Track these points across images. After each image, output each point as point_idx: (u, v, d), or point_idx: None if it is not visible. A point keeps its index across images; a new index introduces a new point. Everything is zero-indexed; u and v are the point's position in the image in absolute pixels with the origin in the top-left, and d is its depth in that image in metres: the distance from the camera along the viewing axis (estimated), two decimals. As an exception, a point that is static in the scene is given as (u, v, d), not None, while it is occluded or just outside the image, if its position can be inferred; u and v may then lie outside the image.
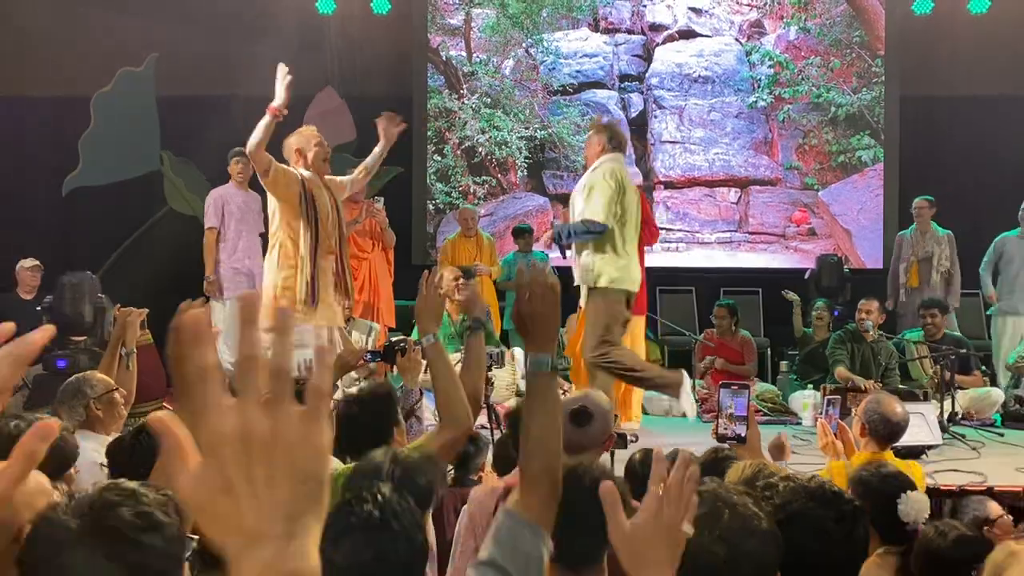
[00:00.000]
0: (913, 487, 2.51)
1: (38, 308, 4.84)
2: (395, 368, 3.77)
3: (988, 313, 7.45)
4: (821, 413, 5.71)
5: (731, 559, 1.37)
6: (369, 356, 3.73)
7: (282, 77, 4.63)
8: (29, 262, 6.91)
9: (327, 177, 4.93)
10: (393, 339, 3.80)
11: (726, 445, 2.37)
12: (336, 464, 2.55)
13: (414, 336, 5.71)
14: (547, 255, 8.09)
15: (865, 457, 3.42)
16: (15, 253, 7.08)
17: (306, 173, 4.79)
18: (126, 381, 3.54)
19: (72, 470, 2.47)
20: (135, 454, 2.25)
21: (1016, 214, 7.32)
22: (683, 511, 1.15)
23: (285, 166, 4.78)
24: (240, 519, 0.65)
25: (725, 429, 2.26)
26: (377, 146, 5.11)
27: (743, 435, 2.24)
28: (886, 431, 3.45)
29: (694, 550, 1.36)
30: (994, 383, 6.65)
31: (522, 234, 7.98)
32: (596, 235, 5.03)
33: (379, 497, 1.62)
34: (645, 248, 5.72)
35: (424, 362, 5.49)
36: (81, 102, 8.84)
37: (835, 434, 3.63)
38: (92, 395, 3.24)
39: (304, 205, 4.69)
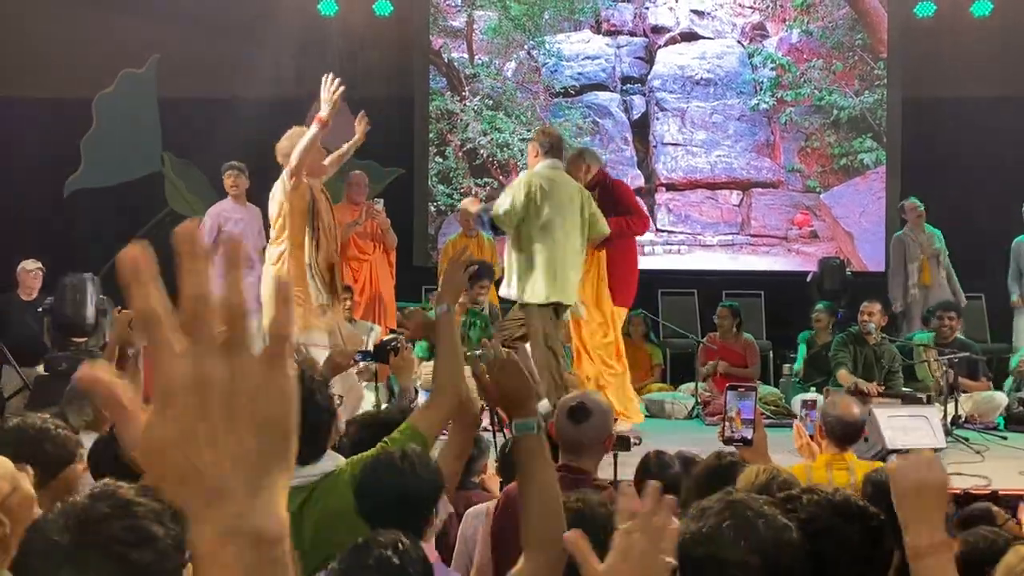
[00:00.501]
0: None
1: (39, 310, 4.83)
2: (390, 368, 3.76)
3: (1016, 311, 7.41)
4: (799, 417, 5.71)
5: (766, 570, 1.35)
6: (360, 356, 3.71)
7: (329, 88, 4.63)
8: (31, 264, 6.89)
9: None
10: (385, 339, 3.78)
11: (731, 448, 2.36)
12: (339, 460, 2.55)
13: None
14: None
15: (826, 459, 3.45)
16: (16, 254, 7.07)
17: (313, 181, 4.84)
18: (132, 380, 3.52)
19: (79, 466, 2.46)
20: (115, 451, 2.25)
21: (1020, 217, 7.32)
22: (658, 544, 1.07)
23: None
24: (199, 475, 0.59)
25: (732, 432, 2.24)
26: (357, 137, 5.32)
27: (749, 438, 2.22)
28: (842, 432, 3.48)
29: (729, 562, 1.35)
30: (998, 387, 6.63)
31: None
32: (490, 229, 5.46)
33: (400, 544, 1.66)
34: (638, 241, 5.87)
35: (417, 361, 5.51)
36: (83, 103, 8.83)
37: (812, 437, 3.66)
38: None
39: (311, 215, 4.76)
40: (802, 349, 7.10)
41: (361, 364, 4.05)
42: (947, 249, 7.46)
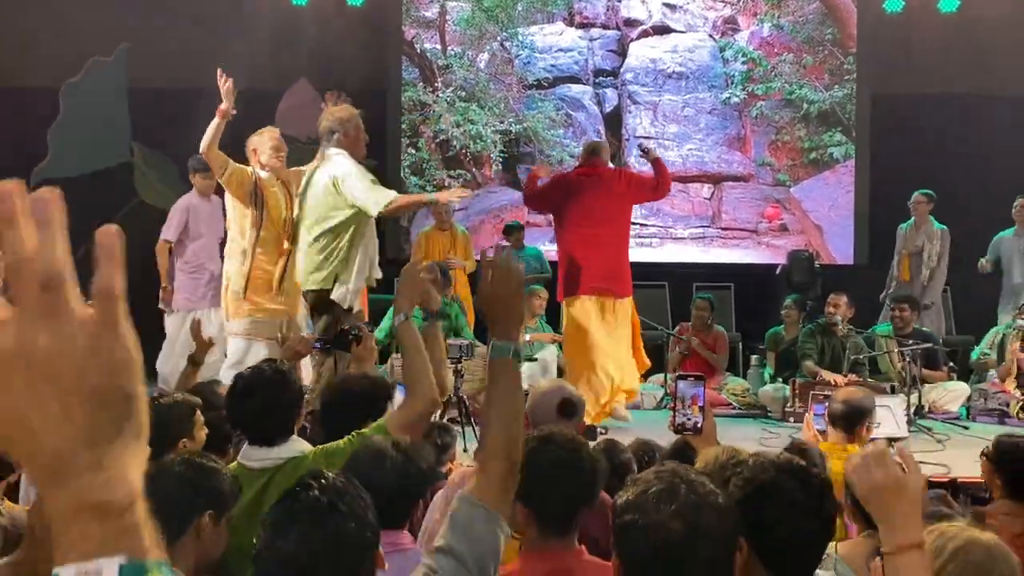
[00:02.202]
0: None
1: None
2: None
3: (1000, 310, 7.39)
4: (791, 406, 5.80)
5: (689, 534, 1.39)
6: (319, 344, 3.70)
7: (223, 83, 4.78)
8: (-6, 255, 6.80)
9: (293, 170, 4.96)
10: (345, 327, 3.77)
11: (680, 432, 2.41)
12: (304, 446, 2.56)
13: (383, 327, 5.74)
14: (540, 251, 8.09)
15: (826, 447, 3.50)
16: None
17: (262, 173, 4.86)
18: None
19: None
20: None
21: (984, 210, 7.43)
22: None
23: (242, 166, 4.89)
24: (41, 451, 0.57)
25: (684, 419, 2.28)
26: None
27: (700, 425, 2.26)
28: (844, 413, 3.57)
29: (650, 525, 1.39)
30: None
31: (512, 231, 8.01)
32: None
33: (323, 481, 1.62)
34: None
35: (376, 349, 5.52)
36: (50, 92, 8.72)
37: (822, 432, 3.74)
38: None
39: (254, 204, 4.80)
40: (766, 346, 7.18)
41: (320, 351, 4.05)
42: (944, 248, 7.41)
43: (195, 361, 3.74)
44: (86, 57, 8.81)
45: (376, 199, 4.33)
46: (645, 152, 6.12)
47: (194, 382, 3.69)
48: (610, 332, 5.59)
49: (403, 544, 2.16)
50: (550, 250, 8.23)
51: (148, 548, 0.58)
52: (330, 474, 1.67)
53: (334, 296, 4.43)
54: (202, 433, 2.84)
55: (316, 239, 4.47)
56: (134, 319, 0.60)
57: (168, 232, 6.40)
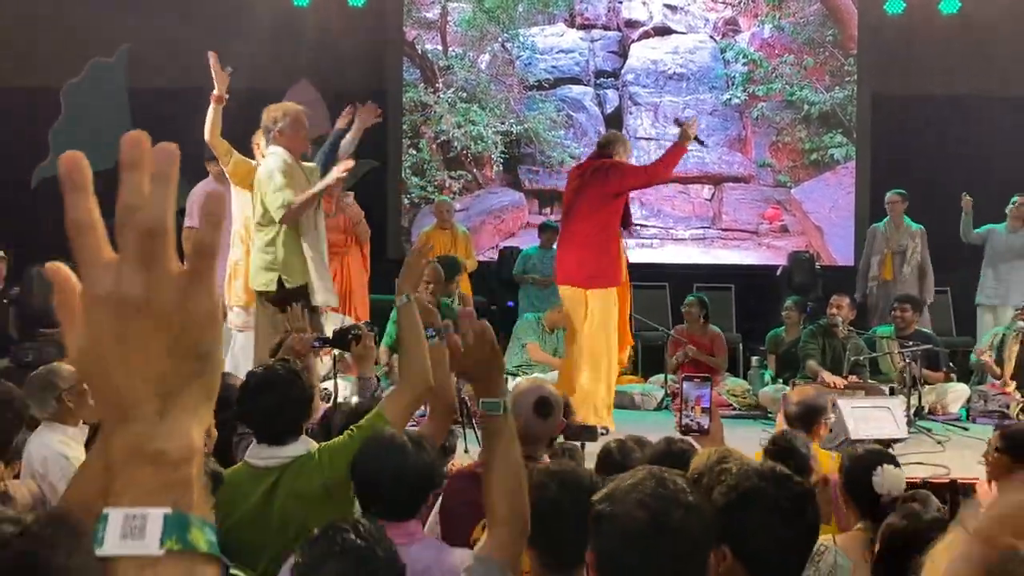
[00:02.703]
0: (891, 461, 2.62)
1: (3, 300, 4.78)
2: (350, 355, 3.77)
3: (977, 303, 7.48)
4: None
5: (652, 526, 1.42)
6: (318, 342, 3.70)
7: (215, 65, 4.79)
8: (-6, 253, 6.82)
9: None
10: (346, 326, 3.77)
11: (684, 437, 2.41)
12: (311, 444, 2.57)
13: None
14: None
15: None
16: (-17, 244, 6.99)
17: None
18: None
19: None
20: None
21: (985, 211, 7.44)
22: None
23: (245, 157, 4.88)
24: (113, 391, 0.60)
25: (689, 420, 2.28)
26: (350, 132, 5.09)
27: (706, 427, 2.27)
28: (797, 412, 3.60)
29: (617, 515, 1.43)
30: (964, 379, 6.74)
31: (546, 230, 8.03)
32: None
33: (360, 527, 1.68)
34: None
35: (388, 352, 5.50)
36: (52, 92, 8.73)
37: None
38: (63, 387, 3.21)
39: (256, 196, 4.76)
40: (767, 348, 7.17)
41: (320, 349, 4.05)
42: (925, 246, 7.49)
43: None
44: (87, 57, 8.82)
45: (276, 204, 4.30)
46: (680, 124, 5.83)
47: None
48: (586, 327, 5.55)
49: (416, 534, 2.17)
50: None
51: (195, 504, 0.60)
52: (364, 520, 1.73)
53: (316, 301, 4.41)
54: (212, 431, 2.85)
55: (260, 238, 4.47)
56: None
57: (191, 219, 6.45)
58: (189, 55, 8.35)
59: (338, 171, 4.46)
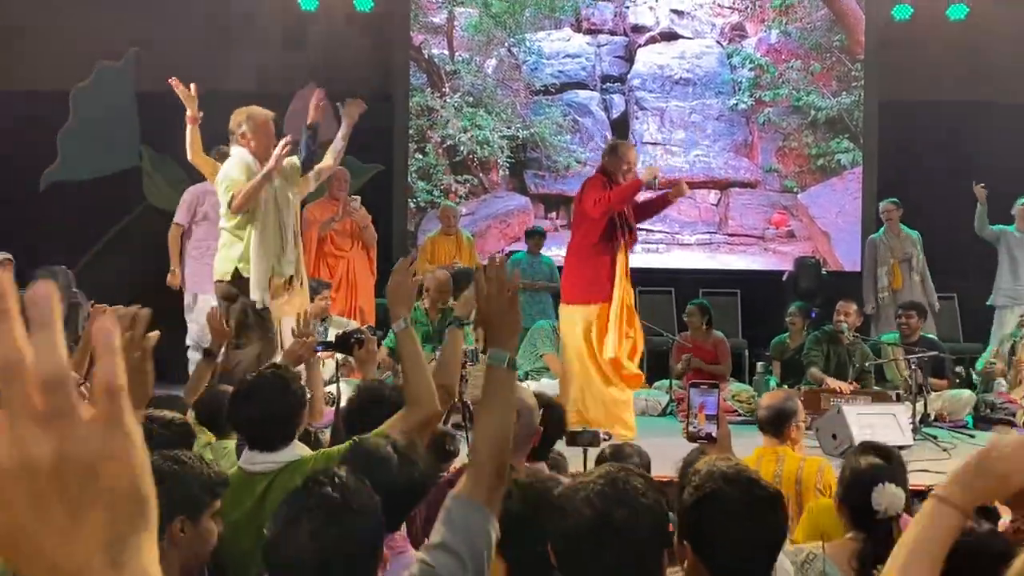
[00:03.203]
0: (891, 478, 2.58)
1: (11, 302, 4.79)
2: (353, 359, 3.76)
3: (988, 304, 7.49)
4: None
5: (598, 522, 1.47)
6: (321, 347, 3.70)
7: (180, 89, 4.96)
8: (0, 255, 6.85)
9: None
10: (348, 330, 3.77)
11: (693, 441, 2.40)
12: (304, 450, 2.57)
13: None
14: (553, 260, 8.09)
15: (759, 451, 3.55)
16: (-9, 247, 7.01)
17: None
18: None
19: None
20: None
21: (992, 217, 7.42)
22: None
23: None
24: (52, 562, 0.53)
25: (696, 428, 2.28)
26: (340, 128, 5.09)
27: (714, 434, 2.26)
28: (774, 417, 3.60)
29: (567, 510, 1.50)
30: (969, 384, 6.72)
31: (533, 235, 8.03)
32: None
33: (336, 479, 1.65)
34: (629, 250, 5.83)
35: (387, 351, 5.49)
36: (59, 96, 8.77)
37: None
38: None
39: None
40: (772, 354, 7.13)
41: (323, 354, 4.05)
42: (922, 252, 7.54)
43: (210, 352, 3.71)
44: (95, 61, 8.85)
45: (225, 197, 4.40)
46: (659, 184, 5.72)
47: (208, 378, 3.67)
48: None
49: (397, 547, 2.14)
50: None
51: None
52: (343, 472, 1.70)
53: (252, 296, 4.44)
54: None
55: (222, 233, 4.56)
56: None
57: (179, 216, 6.54)
58: (197, 58, 8.40)
59: (278, 151, 4.43)
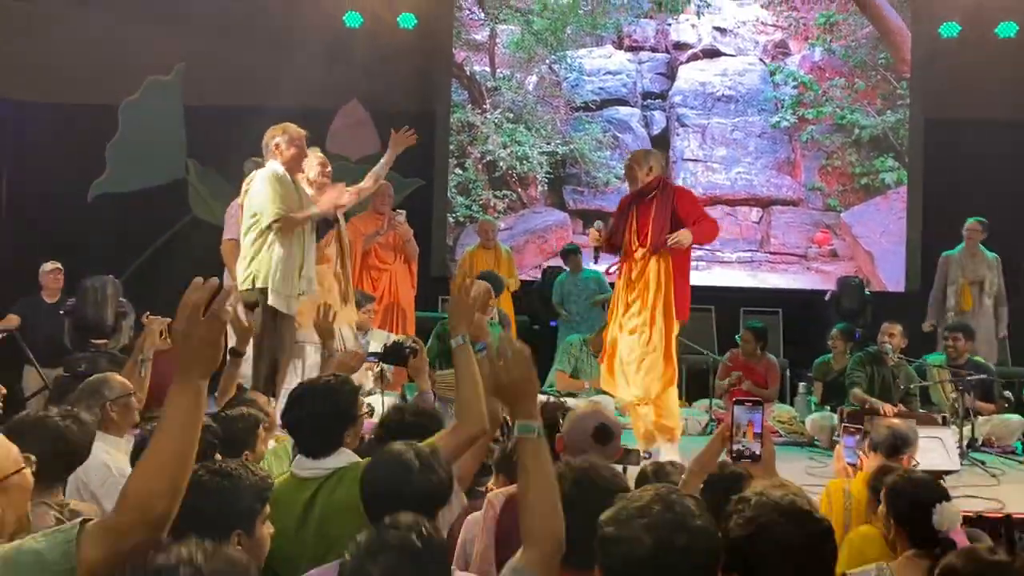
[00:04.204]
0: (947, 497, 2.57)
1: (60, 311, 4.88)
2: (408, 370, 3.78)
3: None
4: (838, 435, 5.64)
5: (658, 549, 1.44)
6: (374, 357, 3.73)
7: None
8: (50, 265, 6.98)
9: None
10: (400, 340, 3.79)
11: (737, 461, 2.36)
12: (352, 457, 2.58)
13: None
14: (600, 273, 8.06)
15: (865, 476, 3.42)
16: (41, 257, 7.16)
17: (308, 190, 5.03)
18: (138, 387, 3.59)
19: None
20: None
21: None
22: None
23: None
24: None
25: (741, 447, 2.23)
26: (385, 155, 5.42)
27: (758, 453, 2.21)
28: (890, 442, 3.49)
29: (623, 538, 1.45)
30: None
31: (570, 254, 7.98)
32: None
33: (421, 528, 1.70)
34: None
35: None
36: (109, 109, 8.96)
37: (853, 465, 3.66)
38: (109, 396, 3.27)
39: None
40: (814, 375, 7.00)
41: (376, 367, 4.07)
42: (1000, 276, 7.30)
43: (237, 352, 3.76)
44: (144, 75, 9.04)
45: (271, 212, 4.52)
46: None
47: (236, 378, 3.76)
48: None
49: None
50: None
51: None
52: (425, 520, 1.75)
53: (271, 302, 4.54)
54: (263, 447, 2.90)
55: (246, 242, 4.68)
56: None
57: (230, 231, 6.52)
58: (243, 73, 8.55)
59: (336, 200, 4.74)
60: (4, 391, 3.43)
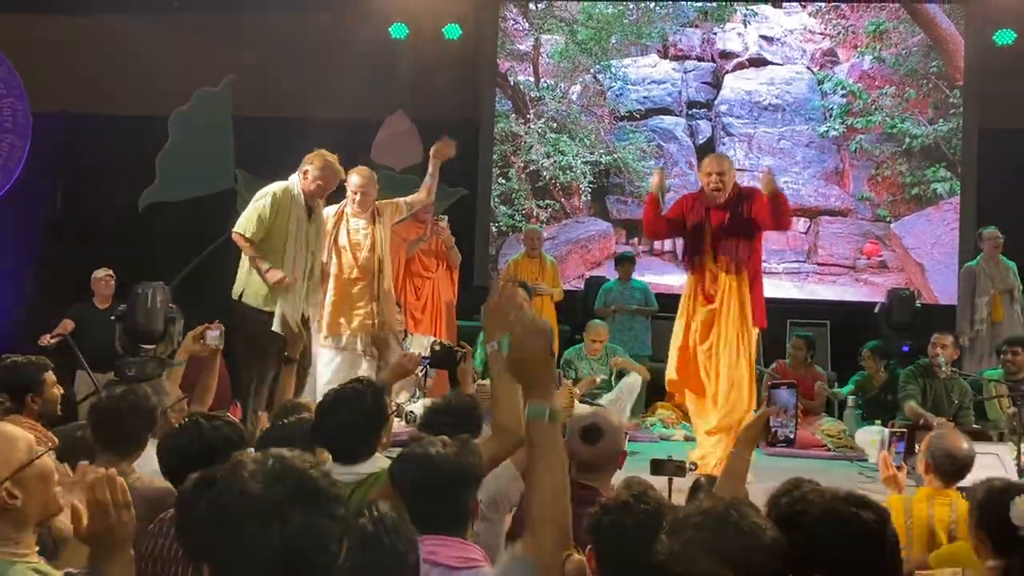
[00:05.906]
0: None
1: (112, 317, 4.97)
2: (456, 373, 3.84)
3: None
4: (884, 447, 5.49)
5: (736, 571, 1.39)
6: (427, 362, 3.79)
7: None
8: (101, 272, 7.14)
9: (386, 202, 5.48)
10: (447, 344, 3.85)
11: (773, 445, 2.35)
12: (385, 462, 2.57)
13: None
14: (647, 285, 8.03)
15: (928, 492, 3.31)
16: (93, 265, 7.32)
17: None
18: (209, 382, 3.69)
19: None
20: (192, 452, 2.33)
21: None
22: None
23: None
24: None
25: (778, 427, 2.22)
26: (430, 165, 5.61)
27: (792, 437, 2.20)
28: (951, 468, 3.32)
29: (683, 556, 1.38)
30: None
31: (623, 262, 7.98)
32: None
33: (375, 511, 1.66)
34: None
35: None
36: (159, 120, 9.15)
37: (899, 467, 3.54)
38: (168, 403, 3.32)
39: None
40: (849, 387, 6.87)
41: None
42: (1021, 282, 7.22)
43: (291, 359, 3.89)
44: (194, 87, 9.21)
45: (239, 224, 4.85)
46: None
47: (294, 383, 3.91)
48: None
49: (476, 561, 2.08)
50: (654, 282, 8.19)
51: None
52: (385, 507, 1.70)
53: (274, 327, 4.75)
54: (54, 391, 3.33)
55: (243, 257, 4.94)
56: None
57: None
58: (291, 84, 8.67)
59: (274, 279, 4.84)
60: (62, 391, 3.53)
